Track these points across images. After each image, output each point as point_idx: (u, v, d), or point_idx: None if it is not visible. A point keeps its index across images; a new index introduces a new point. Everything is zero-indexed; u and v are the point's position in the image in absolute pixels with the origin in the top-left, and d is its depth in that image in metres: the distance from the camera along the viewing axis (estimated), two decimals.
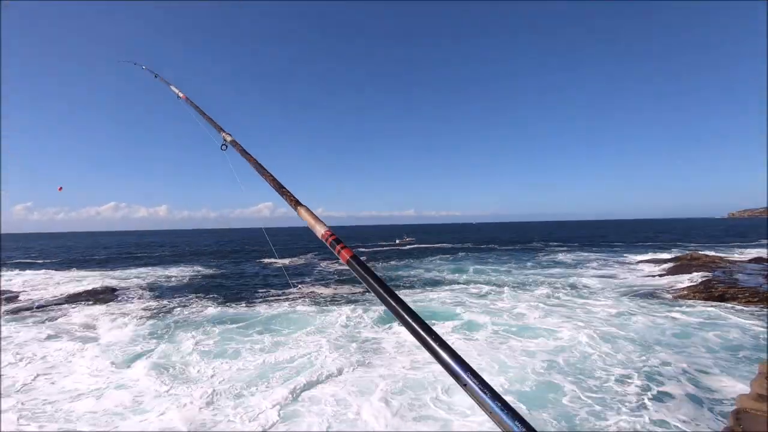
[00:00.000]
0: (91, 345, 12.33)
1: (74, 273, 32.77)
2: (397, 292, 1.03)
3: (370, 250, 56.04)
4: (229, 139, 2.58)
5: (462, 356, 0.86)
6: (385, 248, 59.89)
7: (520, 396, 8.22)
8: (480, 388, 0.80)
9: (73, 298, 20.23)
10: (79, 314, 16.97)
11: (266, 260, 42.36)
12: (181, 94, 3.81)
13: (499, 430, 0.75)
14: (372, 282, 1.08)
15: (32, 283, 26.44)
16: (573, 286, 21.30)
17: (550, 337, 12.29)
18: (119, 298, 20.87)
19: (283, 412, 7.80)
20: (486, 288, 21.30)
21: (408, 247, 61.51)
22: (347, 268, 1.17)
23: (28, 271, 33.66)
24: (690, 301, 16.72)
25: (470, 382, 0.81)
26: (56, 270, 35.10)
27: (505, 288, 20.95)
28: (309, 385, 8.94)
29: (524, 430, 0.73)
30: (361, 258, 1.16)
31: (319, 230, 1.44)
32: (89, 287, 23.20)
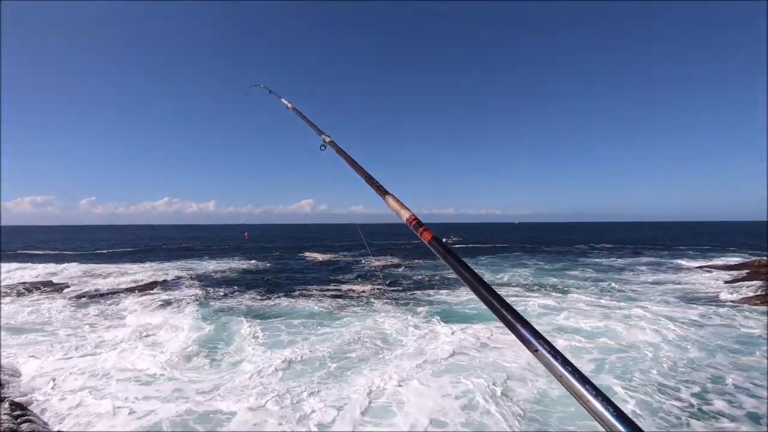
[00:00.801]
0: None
1: (149, 265, 34.97)
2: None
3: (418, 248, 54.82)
4: (327, 140, 2.90)
5: (543, 334, 0.90)
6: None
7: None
8: (557, 361, 0.84)
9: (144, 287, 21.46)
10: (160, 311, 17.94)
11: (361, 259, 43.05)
12: (289, 105, 4.30)
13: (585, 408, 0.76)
14: (452, 261, 1.16)
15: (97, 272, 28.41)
16: (627, 290, 20.00)
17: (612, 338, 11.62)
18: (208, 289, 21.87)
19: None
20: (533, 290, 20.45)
21: (458, 246, 59.50)
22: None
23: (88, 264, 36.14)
24: (761, 309, 15.17)
25: (551, 359, 0.85)
26: (122, 263, 37.49)
27: (552, 290, 20.08)
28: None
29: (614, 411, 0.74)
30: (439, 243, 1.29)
31: (404, 215, 1.62)
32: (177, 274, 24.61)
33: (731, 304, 16.61)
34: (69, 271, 28.55)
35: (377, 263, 35.09)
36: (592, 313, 15.20)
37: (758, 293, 17.57)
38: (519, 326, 0.92)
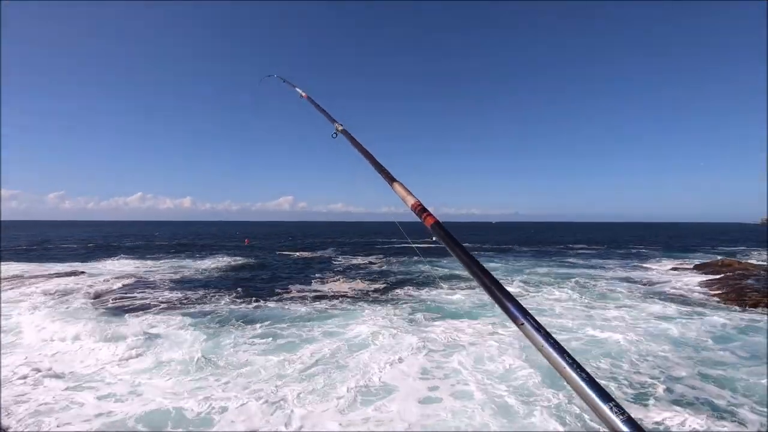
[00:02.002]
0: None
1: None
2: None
3: (401, 246, 55.34)
4: (340, 128, 2.98)
5: (549, 331, 0.96)
6: (413, 245, 59.31)
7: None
8: (540, 334, 0.93)
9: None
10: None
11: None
12: (303, 94, 4.34)
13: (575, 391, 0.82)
14: (452, 244, 1.35)
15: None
16: (596, 289, 20.76)
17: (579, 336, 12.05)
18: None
19: None
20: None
21: (435, 245, 59.86)
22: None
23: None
24: (721, 307, 16.10)
25: (534, 332, 0.94)
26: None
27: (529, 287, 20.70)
28: None
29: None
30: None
31: (410, 201, 1.75)
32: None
33: (697, 301, 17.53)
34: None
35: (357, 261, 35.27)
36: (561, 308, 15.96)
37: (721, 291, 18.58)
38: (507, 302, 1.03)
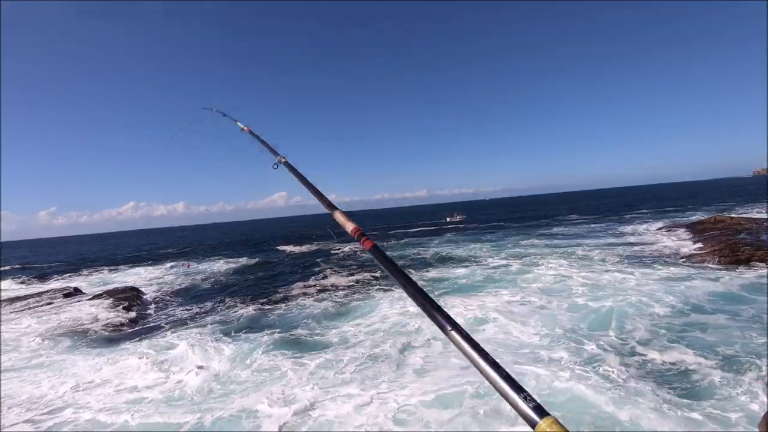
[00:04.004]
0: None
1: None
2: (409, 274, 1.37)
3: (445, 227, 56.31)
4: (282, 161, 3.16)
5: (472, 336, 1.05)
6: (450, 225, 61.35)
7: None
8: (466, 341, 1.03)
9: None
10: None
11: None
12: (244, 128, 4.45)
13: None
14: (388, 265, 1.40)
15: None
16: (588, 257, 21.29)
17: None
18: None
19: None
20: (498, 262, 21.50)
21: (463, 225, 59.14)
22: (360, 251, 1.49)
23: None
24: (714, 266, 16.59)
25: (460, 339, 1.05)
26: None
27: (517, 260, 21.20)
28: None
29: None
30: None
31: (349, 227, 1.84)
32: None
33: (685, 262, 18.01)
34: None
35: (349, 249, 35.61)
36: (552, 279, 16.53)
37: (713, 248, 19.05)
38: (435, 312, 1.15)
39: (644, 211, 52.34)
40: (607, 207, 70.20)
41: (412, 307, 14.27)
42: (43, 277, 35.62)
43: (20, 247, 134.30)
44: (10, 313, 19.02)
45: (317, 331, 12.90)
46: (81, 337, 14.03)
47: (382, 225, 78.99)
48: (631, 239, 26.89)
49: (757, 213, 33.95)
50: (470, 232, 45.38)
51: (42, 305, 20.31)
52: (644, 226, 34.14)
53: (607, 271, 17.42)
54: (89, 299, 20.56)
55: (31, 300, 21.81)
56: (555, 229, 38.28)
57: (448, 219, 72.07)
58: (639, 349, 9.18)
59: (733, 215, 29.00)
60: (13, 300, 22.23)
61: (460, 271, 20.69)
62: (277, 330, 13.20)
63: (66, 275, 36.09)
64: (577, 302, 13.16)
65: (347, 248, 37.00)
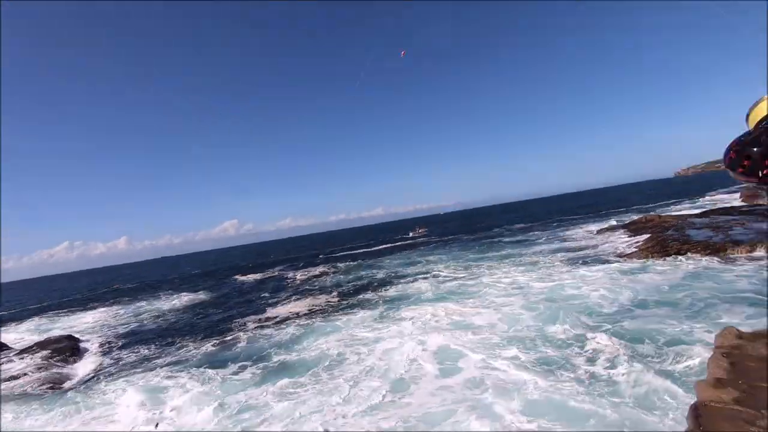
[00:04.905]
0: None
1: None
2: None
3: (402, 243, 56.50)
4: None
5: None
6: (409, 240, 62.84)
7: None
8: None
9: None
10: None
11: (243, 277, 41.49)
12: None
13: None
14: None
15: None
16: (535, 261, 22.45)
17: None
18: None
19: None
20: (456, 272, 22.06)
21: (424, 237, 63.86)
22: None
23: None
24: (647, 259, 18.07)
25: None
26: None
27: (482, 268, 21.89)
28: None
29: None
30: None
31: None
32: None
33: (624, 260, 19.44)
34: None
35: (311, 274, 35.07)
36: (503, 287, 17.11)
37: (647, 245, 20.68)
38: None
39: (580, 215, 55.78)
40: (546, 214, 74.28)
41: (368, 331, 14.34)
42: None
43: None
44: None
45: (288, 357, 12.63)
46: (11, 400, 12.60)
47: (342, 245, 78.39)
48: (573, 242, 28.57)
49: (680, 210, 37.34)
50: (432, 245, 46.26)
51: None
52: (583, 228, 36.41)
53: (554, 273, 18.51)
54: (16, 354, 18.60)
55: None
56: (506, 239, 39.90)
57: (411, 234, 75.03)
58: (590, 345, 9.78)
59: (660, 214, 31.67)
60: None
61: (422, 285, 21.02)
62: (241, 362, 12.82)
63: None
64: (531, 304, 13.87)
65: (301, 275, 36.34)
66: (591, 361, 9.00)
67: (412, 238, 67.35)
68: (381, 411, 8.27)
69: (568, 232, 35.46)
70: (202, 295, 33.52)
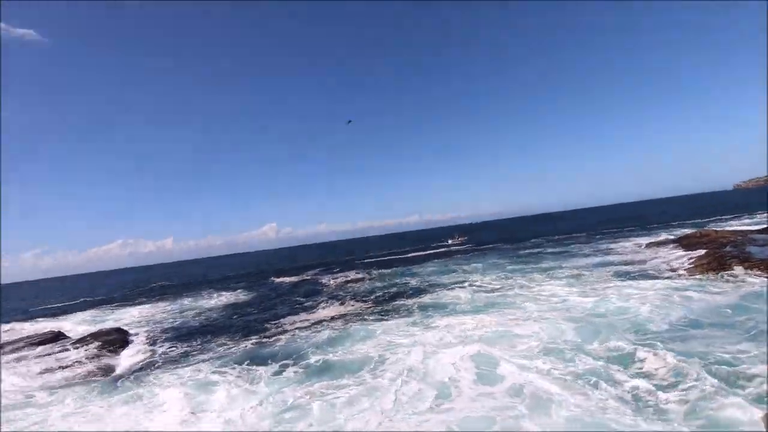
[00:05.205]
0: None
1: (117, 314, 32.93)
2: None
3: (438, 251, 56.41)
4: None
5: None
6: (445, 248, 62.35)
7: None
8: None
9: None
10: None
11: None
12: None
13: None
14: None
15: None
16: (579, 275, 21.48)
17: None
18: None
19: None
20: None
21: (463, 246, 62.81)
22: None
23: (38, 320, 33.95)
24: (703, 276, 16.89)
25: None
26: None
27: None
28: None
29: None
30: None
31: None
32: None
33: (676, 276, 18.27)
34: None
35: (352, 277, 35.37)
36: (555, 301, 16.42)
37: (702, 261, 19.36)
38: None
39: (627, 227, 53.19)
40: (590, 225, 71.33)
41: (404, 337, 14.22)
42: (28, 320, 34.41)
43: (10, 292, 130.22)
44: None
45: (327, 358, 12.80)
46: (72, 386, 13.50)
47: (381, 251, 78.76)
48: (620, 256, 27.23)
49: (740, 226, 34.76)
50: (469, 254, 45.57)
51: (21, 350, 19.58)
52: (631, 242, 34.65)
53: (599, 287, 17.66)
54: (73, 343, 19.87)
55: (11, 346, 21.01)
56: (547, 249, 38.68)
57: (450, 241, 74.27)
58: (637, 366, 9.23)
59: (717, 228, 29.63)
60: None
61: (459, 294, 20.70)
62: (282, 361, 13.14)
63: (51, 318, 34.96)
64: (573, 318, 13.30)
65: (335, 280, 36.76)
66: (637, 380, 8.51)
67: (448, 246, 66.58)
68: (426, 414, 8.26)
69: (613, 245, 33.85)
70: (241, 295, 34.67)
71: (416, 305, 19.44)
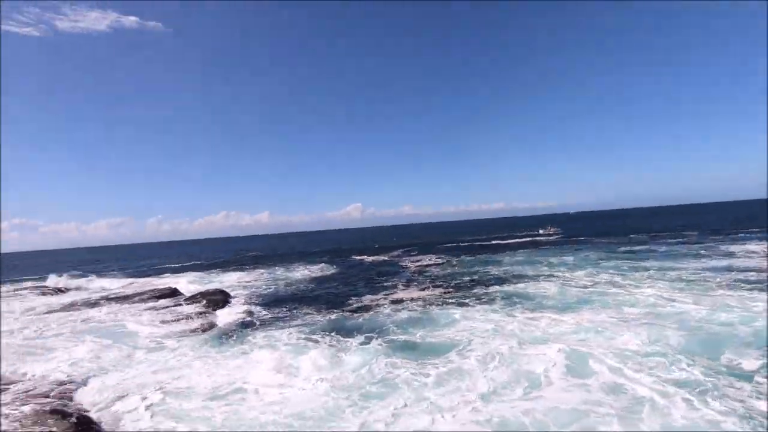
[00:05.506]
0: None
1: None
2: None
3: (525, 240, 55.75)
4: None
5: None
6: (532, 238, 60.34)
7: None
8: None
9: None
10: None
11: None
12: None
13: None
14: None
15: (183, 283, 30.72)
16: (688, 279, 18.92)
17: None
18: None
19: None
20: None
21: (554, 237, 60.37)
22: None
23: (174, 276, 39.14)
24: None
25: None
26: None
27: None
28: None
29: None
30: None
31: None
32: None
33: None
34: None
35: (433, 261, 35.36)
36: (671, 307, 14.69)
37: None
38: None
39: (754, 229, 45.32)
40: (707, 223, 62.17)
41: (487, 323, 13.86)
42: (152, 275, 40.26)
43: (138, 250, 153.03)
44: (129, 306, 21.79)
45: (410, 337, 13.04)
46: (187, 336, 15.41)
47: (464, 237, 77.76)
48: (745, 261, 23.49)
49: None
50: (560, 246, 42.95)
51: (147, 302, 22.88)
52: (756, 246, 29.67)
53: (714, 294, 15.42)
54: (186, 299, 22.73)
55: (139, 297, 24.65)
56: (649, 247, 34.84)
57: (541, 231, 71.18)
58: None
59: None
60: (127, 297, 25.26)
61: (547, 286, 19.64)
62: (366, 334, 13.70)
63: (170, 275, 40.33)
64: (681, 324, 11.86)
65: (416, 262, 36.98)
66: (755, 401, 7.36)
67: (538, 236, 63.15)
68: (516, 402, 8.13)
69: (735, 248, 29.31)
70: (326, 270, 36.65)
71: (499, 294, 18.84)
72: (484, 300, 17.89)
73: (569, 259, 30.34)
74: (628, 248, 35.20)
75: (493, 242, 58.46)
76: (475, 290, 20.61)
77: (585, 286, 19.13)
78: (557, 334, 12.03)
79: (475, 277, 25.52)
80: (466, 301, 18.01)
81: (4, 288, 35.68)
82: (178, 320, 18.02)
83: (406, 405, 8.31)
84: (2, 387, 10.22)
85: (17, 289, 33.67)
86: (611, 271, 23.37)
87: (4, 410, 8.52)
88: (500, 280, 23.10)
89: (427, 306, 17.55)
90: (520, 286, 20.39)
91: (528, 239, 58.33)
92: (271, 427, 7.80)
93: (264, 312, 19.39)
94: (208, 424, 8.04)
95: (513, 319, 14.03)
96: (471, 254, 41.11)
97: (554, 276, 22.92)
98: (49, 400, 9.41)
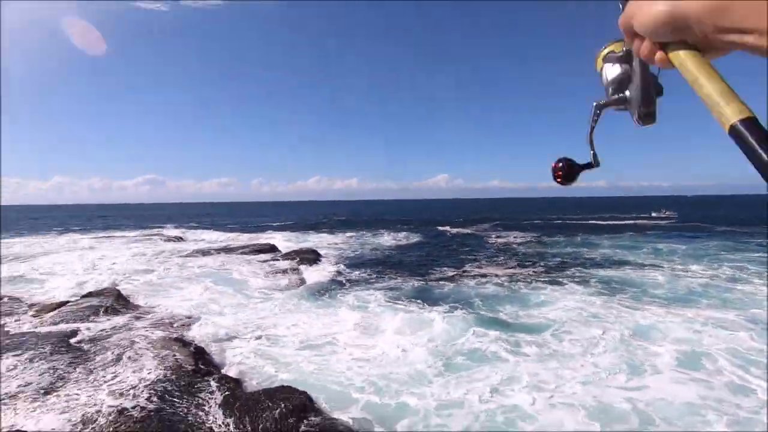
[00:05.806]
0: None
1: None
2: None
3: (631, 223, 51.48)
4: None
5: None
6: (640, 221, 54.01)
7: None
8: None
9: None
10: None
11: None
12: None
13: None
14: None
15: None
16: None
17: None
18: None
19: None
20: None
21: (665, 222, 51.95)
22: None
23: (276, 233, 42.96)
24: None
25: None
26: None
27: None
28: None
29: None
30: None
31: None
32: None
33: None
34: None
35: (517, 238, 33.96)
36: None
37: None
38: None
39: None
40: None
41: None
42: (252, 231, 44.63)
43: (242, 208, 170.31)
44: (236, 257, 24.52)
45: (497, 314, 12.77)
46: (283, 289, 16.68)
47: (557, 214, 73.31)
48: None
49: None
50: (675, 233, 37.98)
51: (250, 255, 25.39)
52: None
53: None
54: (282, 255, 24.76)
55: (242, 250, 27.39)
56: None
57: (654, 213, 64.32)
58: None
59: None
60: (233, 249, 28.28)
61: (654, 275, 17.80)
62: (450, 304, 13.61)
63: (268, 232, 44.20)
64: None
65: (503, 238, 35.64)
66: None
67: (645, 219, 56.12)
68: (619, 390, 7.73)
69: None
70: (411, 238, 37.13)
71: (596, 278, 17.41)
72: (579, 282, 16.66)
73: (681, 247, 26.84)
74: (756, 241, 29.81)
75: (591, 222, 53.96)
76: (567, 272, 19.30)
77: (702, 279, 16.87)
78: (666, 326, 10.84)
79: (567, 258, 23.87)
80: (559, 281, 16.94)
81: (139, 233, 42.43)
82: (275, 273, 19.73)
83: (502, 380, 8.12)
84: (143, 315, 12.37)
85: (147, 235, 39.74)
86: (737, 264, 20.22)
87: (143, 333, 10.33)
88: (597, 264, 21.32)
89: (514, 282, 16.94)
90: (622, 272, 18.66)
91: (631, 222, 52.49)
92: (358, 382, 8.27)
93: (351, 273, 20.35)
94: (299, 371, 8.81)
95: (613, 306, 12.94)
96: (565, 234, 38.40)
97: (663, 265, 20.55)
98: (174, 329, 11.12)
